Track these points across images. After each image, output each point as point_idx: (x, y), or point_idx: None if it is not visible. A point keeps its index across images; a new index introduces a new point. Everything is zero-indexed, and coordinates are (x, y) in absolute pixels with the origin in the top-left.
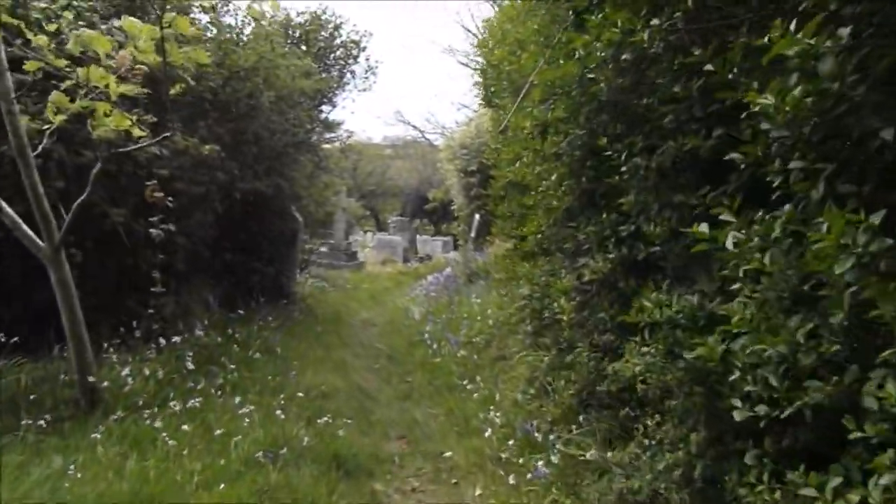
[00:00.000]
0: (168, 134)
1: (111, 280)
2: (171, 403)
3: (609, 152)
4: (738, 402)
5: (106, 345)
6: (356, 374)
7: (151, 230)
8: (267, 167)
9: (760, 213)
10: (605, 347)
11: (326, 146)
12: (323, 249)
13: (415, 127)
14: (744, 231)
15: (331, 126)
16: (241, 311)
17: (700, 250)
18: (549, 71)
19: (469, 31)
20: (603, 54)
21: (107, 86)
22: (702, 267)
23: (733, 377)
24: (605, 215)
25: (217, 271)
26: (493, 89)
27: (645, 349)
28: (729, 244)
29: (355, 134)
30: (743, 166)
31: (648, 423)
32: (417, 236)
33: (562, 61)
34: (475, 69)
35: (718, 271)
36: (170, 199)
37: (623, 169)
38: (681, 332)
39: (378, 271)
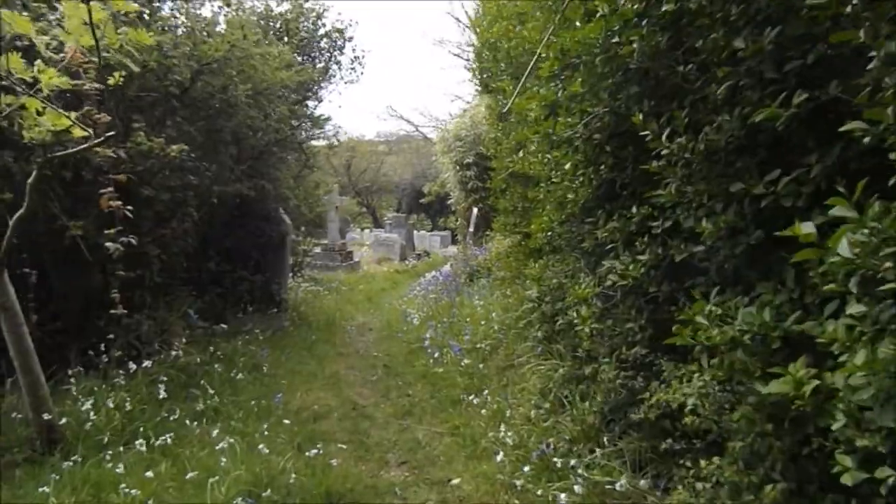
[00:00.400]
0: (111, 133)
1: (77, 300)
2: (138, 442)
3: (643, 133)
4: (847, 461)
5: (71, 371)
6: (351, 389)
7: (108, 244)
8: (248, 168)
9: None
10: (636, 364)
11: (314, 143)
12: (317, 250)
13: (408, 121)
14: (867, 230)
15: (317, 122)
16: (227, 325)
17: (805, 258)
18: (565, 35)
19: (460, 20)
20: (636, 6)
21: (35, 79)
22: (763, 271)
23: (837, 424)
24: (634, 209)
25: (200, 282)
26: (490, 72)
27: (693, 371)
28: (845, 250)
29: (345, 131)
30: (866, 139)
31: (701, 462)
32: (415, 232)
33: (578, 24)
34: (468, 55)
35: (797, 278)
36: (129, 207)
37: (663, 152)
38: (747, 357)
39: (375, 271)
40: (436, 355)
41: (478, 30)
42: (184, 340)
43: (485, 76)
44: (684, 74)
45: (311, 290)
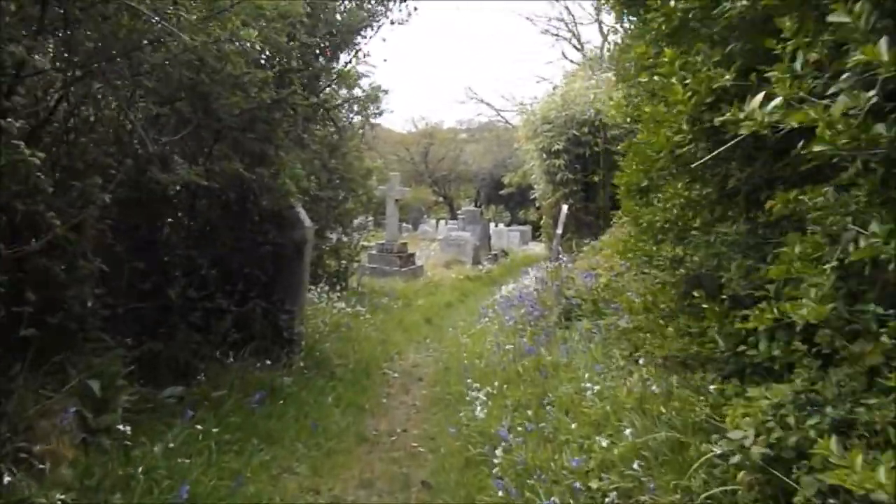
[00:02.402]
0: None
1: None
2: None
3: None
4: None
5: None
6: None
7: None
8: (231, 144)
9: None
10: None
11: (356, 118)
12: (372, 252)
13: (488, 104)
14: None
15: (348, 78)
16: (188, 385)
17: None
18: None
19: None
20: None
21: None
22: None
23: None
24: None
25: (144, 323)
26: None
27: None
28: None
29: (423, 117)
30: None
31: None
32: (491, 226)
33: None
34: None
35: None
36: None
37: None
38: None
39: (440, 277)
40: (512, 493)
41: None
42: (73, 436)
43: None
44: None
45: (349, 313)
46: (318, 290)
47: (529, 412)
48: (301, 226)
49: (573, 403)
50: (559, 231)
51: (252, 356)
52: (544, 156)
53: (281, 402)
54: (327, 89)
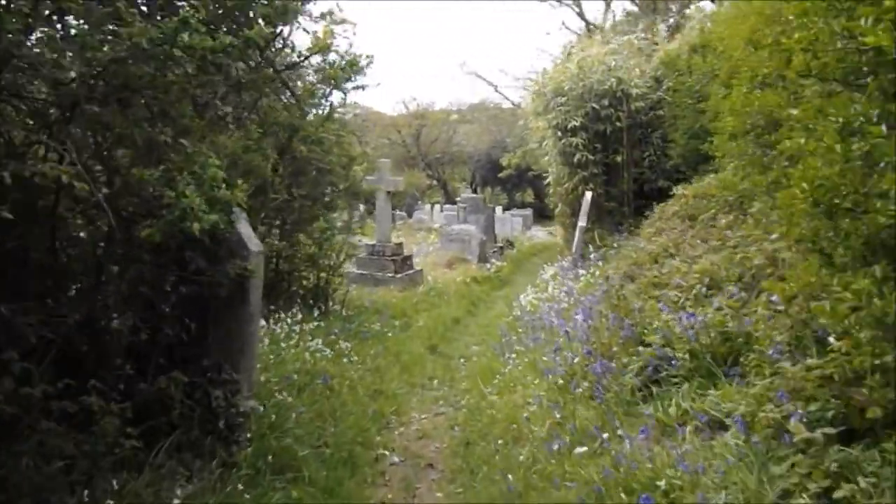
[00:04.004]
0: None
1: None
2: None
3: None
4: None
5: None
6: None
7: None
8: (89, 126)
9: None
10: None
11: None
12: (360, 255)
13: (485, 79)
14: None
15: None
16: None
17: None
18: None
19: None
20: None
21: None
22: None
23: None
24: None
25: None
26: None
27: None
28: None
29: (414, 97)
30: None
31: None
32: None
33: None
34: None
35: None
36: None
37: None
38: None
39: (443, 281)
40: None
41: None
42: None
43: None
44: None
45: (329, 353)
46: (289, 318)
47: None
48: (244, 251)
49: None
50: (582, 223)
51: (171, 458)
52: (559, 134)
53: None
54: (284, 47)
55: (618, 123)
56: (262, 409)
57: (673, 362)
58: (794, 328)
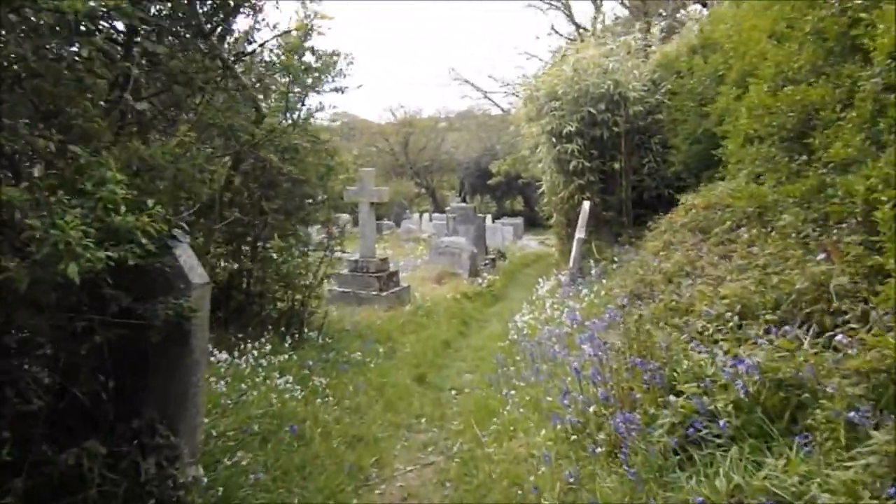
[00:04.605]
0: None
1: None
2: None
3: None
4: None
5: None
6: None
7: None
8: None
9: None
10: None
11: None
12: (342, 271)
13: (473, 85)
14: None
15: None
16: None
17: None
18: None
19: None
20: None
21: None
22: None
23: None
24: None
25: None
26: None
27: None
28: None
29: (401, 105)
30: None
31: None
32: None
33: None
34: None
35: None
36: None
37: None
38: None
39: (432, 297)
40: None
41: None
42: None
43: None
44: None
45: (300, 393)
46: (257, 349)
47: None
48: (182, 284)
49: None
50: (580, 235)
51: None
52: (553, 140)
53: None
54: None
55: (615, 128)
56: (205, 480)
57: (720, 422)
58: (872, 378)
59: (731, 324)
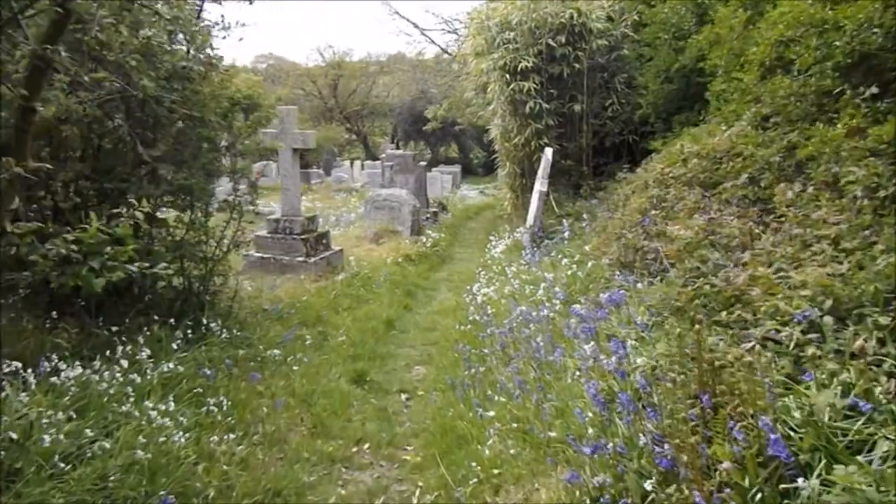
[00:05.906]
0: None
1: None
2: None
3: None
4: None
5: None
6: None
7: None
8: None
9: None
10: None
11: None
12: (260, 233)
13: (412, 23)
14: None
15: None
16: None
17: None
18: None
19: None
20: None
21: None
22: None
23: None
24: None
25: None
26: None
27: None
28: None
29: (330, 45)
30: None
31: None
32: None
33: None
34: None
35: None
36: None
37: None
38: None
39: (369, 261)
40: None
41: None
42: None
43: None
44: None
45: (180, 427)
46: (132, 352)
47: None
48: None
49: None
50: (541, 188)
51: None
52: (506, 77)
53: None
54: None
55: (576, 65)
56: None
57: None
58: None
59: (826, 329)
